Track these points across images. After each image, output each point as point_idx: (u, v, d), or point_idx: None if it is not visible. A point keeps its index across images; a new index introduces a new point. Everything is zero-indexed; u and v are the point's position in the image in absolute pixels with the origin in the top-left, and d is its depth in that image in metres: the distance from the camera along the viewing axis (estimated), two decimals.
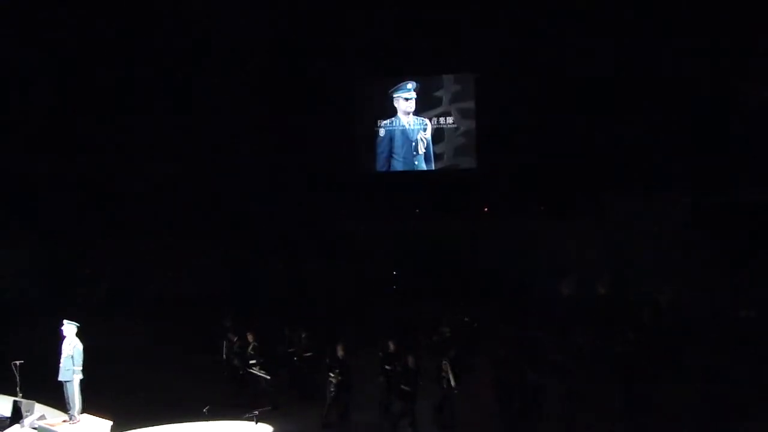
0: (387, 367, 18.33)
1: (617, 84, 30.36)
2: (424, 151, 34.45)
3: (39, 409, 16.63)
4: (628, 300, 26.79)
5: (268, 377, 19.72)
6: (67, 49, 32.19)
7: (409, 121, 34.61)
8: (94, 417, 16.78)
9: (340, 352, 18.41)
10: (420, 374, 17.89)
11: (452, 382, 17.66)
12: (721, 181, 28.37)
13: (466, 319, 25.49)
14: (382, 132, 34.91)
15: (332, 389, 18.14)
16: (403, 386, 17.58)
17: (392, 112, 34.74)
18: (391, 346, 18.77)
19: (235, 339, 21.10)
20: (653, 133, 29.62)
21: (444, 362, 17.93)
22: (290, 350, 21.67)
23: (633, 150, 29.95)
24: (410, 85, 34.34)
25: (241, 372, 20.39)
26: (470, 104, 34.13)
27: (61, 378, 16.51)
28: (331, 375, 18.19)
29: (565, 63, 31.03)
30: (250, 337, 20.72)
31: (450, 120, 34.35)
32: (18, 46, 31.17)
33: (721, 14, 28.49)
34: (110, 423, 16.62)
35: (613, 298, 27.90)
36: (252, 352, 20.45)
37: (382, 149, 34.97)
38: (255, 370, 19.93)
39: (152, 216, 32.01)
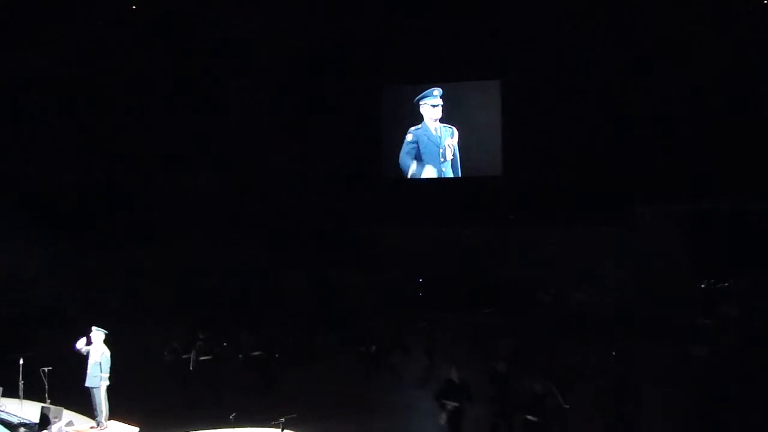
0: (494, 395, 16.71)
1: (643, 90, 30.19)
2: (451, 157, 34.39)
3: (67, 415, 16.72)
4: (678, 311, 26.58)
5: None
6: (90, 56, 32.59)
7: (437, 127, 34.56)
8: (121, 423, 16.87)
9: (454, 375, 16.42)
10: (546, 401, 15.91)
11: (561, 402, 15.98)
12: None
13: (424, 323, 25.40)
14: (409, 137, 34.88)
15: (446, 418, 16.05)
16: (528, 416, 15.52)
17: (420, 119, 34.71)
18: (503, 367, 17.32)
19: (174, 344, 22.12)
20: (680, 140, 29.40)
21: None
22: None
23: (661, 156, 29.76)
24: (436, 91, 34.31)
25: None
26: (496, 111, 34.00)
27: (88, 384, 16.63)
28: (446, 402, 16.11)
29: (591, 69, 30.90)
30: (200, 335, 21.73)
31: (476, 127, 34.22)
32: (39, 54, 31.62)
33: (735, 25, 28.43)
34: (137, 429, 16.70)
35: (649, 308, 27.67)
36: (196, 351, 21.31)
37: (407, 152, 34.92)
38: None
39: (177, 219, 32.37)
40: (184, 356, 21.69)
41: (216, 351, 21.78)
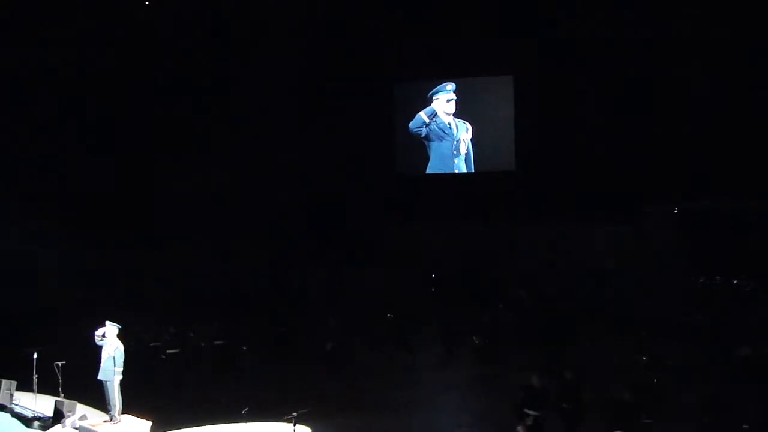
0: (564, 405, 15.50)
1: (656, 87, 30.03)
2: (465, 152, 34.32)
3: (80, 409, 16.84)
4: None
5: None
6: (93, 54, 32.75)
7: (450, 122, 34.49)
8: (134, 417, 16.94)
9: (535, 382, 15.57)
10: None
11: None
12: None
13: (390, 315, 25.42)
14: (423, 132, 34.84)
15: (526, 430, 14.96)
16: None
17: (433, 114, 34.64)
18: (568, 375, 16.21)
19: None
20: (693, 137, 29.21)
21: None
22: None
23: (674, 154, 29.60)
24: (450, 86, 34.20)
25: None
26: (510, 106, 33.90)
27: (101, 377, 16.68)
28: (528, 411, 15.17)
29: (604, 66, 30.75)
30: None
31: (489, 122, 34.13)
32: (43, 52, 31.75)
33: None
34: (150, 423, 16.77)
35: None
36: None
37: (422, 151, 34.91)
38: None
39: (187, 217, 32.53)
40: (152, 344, 23.06)
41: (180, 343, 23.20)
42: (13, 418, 17.20)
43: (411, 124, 34.87)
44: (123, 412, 16.75)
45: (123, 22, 32.92)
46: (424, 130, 34.75)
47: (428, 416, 18.78)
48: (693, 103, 29.29)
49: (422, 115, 34.68)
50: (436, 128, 34.69)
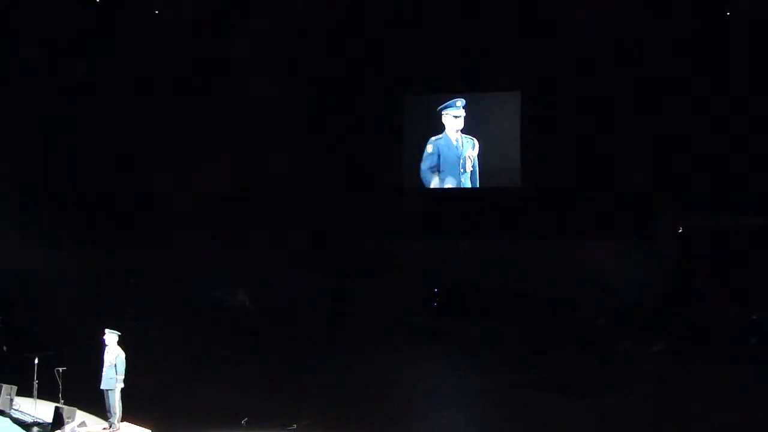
0: None
1: (664, 103, 30.03)
2: (471, 169, 34.24)
3: (80, 416, 16.85)
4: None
5: None
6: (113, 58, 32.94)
7: (458, 138, 34.45)
8: (134, 426, 16.95)
9: None
10: None
11: None
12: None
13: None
14: (430, 148, 34.80)
15: None
16: None
17: (441, 129, 34.61)
18: None
19: None
20: (700, 153, 29.20)
21: None
22: None
23: (680, 171, 29.59)
24: (459, 102, 34.13)
25: None
26: (516, 122, 33.84)
27: (103, 386, 16.72)
28: None
29: (612, 82, 30.76)
30: None
31: (496, 138, 34.07)
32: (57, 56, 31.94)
33: None
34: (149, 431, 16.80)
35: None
36: None
37: (428, 166, 34.90)
38: None
39: (193, 226, 32.60)
40: None
41: None
42: (13, 424, 17.22)
43: (423, 165, 34.76)
44: (123, 419, 16.78)
45: (126, 25, 33.12)
46: (435, 159, 34.66)
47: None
48: (702, 118, 29.26)
49: (428, 149, 34.59)
50: (443, 146, 34.59)
